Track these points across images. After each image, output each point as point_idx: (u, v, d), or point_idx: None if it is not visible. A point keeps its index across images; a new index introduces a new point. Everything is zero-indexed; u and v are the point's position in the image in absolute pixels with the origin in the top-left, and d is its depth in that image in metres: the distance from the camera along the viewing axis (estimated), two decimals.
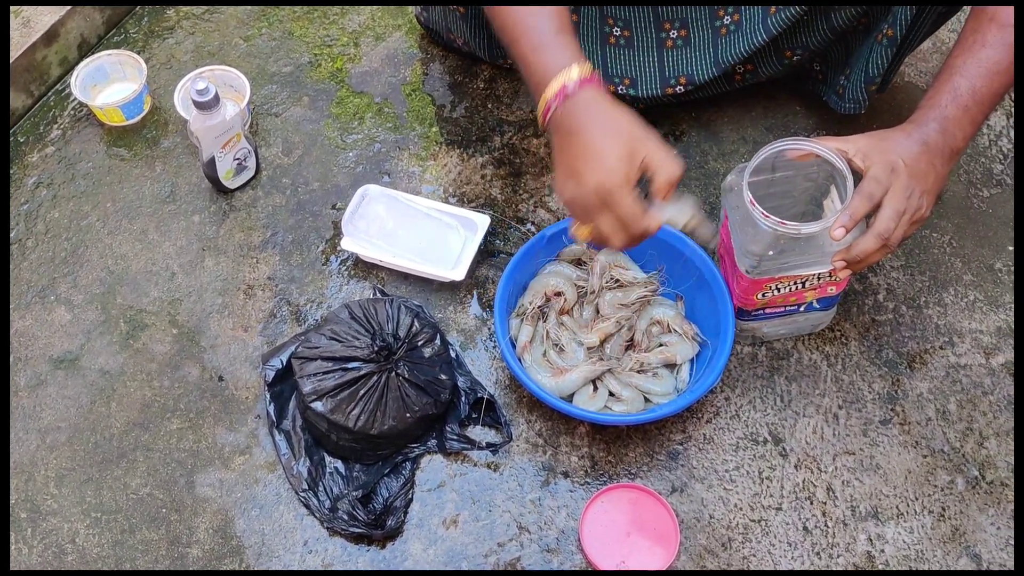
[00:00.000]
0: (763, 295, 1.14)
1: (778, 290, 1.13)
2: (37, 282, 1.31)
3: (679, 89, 1.35)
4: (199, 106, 1.25)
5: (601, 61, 1.36)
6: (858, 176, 1.04)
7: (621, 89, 1.37)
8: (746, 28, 1.29)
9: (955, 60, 1.06)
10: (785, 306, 1.16)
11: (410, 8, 1.56)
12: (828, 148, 1.05)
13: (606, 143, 0.95)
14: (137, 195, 1.38)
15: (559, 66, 0.97)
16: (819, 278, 1.12)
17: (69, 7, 1.46)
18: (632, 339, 1.22)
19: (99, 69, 1.44)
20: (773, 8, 1.25)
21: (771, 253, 1.08)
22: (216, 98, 1.25)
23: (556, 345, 1.19)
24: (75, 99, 1.43)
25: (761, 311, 1.17)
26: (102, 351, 1.25)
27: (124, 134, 1.44)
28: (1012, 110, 1.47)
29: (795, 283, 1.12)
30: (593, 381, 1.18)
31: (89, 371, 1.24)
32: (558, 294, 1.23)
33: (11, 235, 1.35)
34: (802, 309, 1.17)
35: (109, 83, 1.46)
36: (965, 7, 1.25)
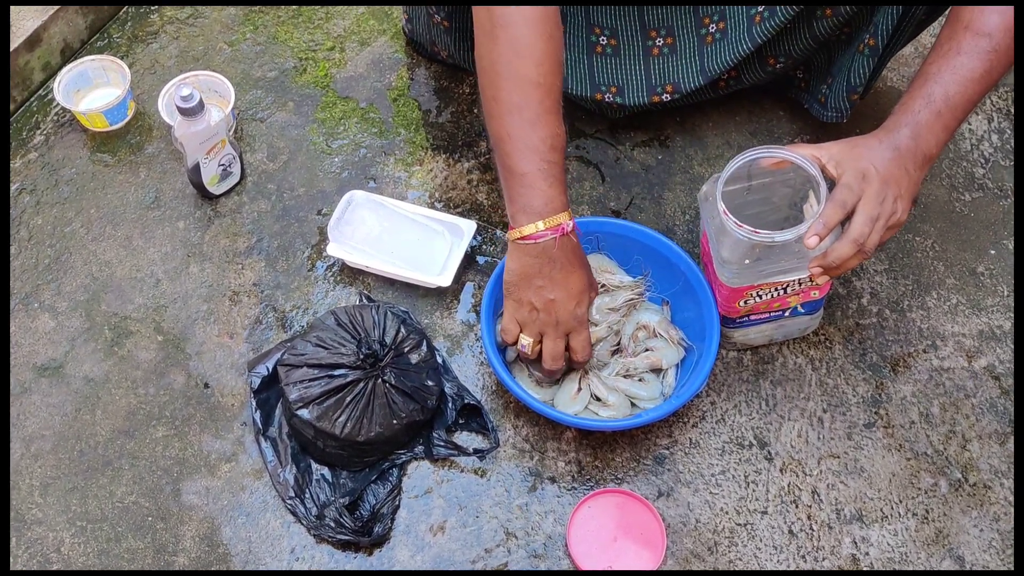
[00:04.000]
0: (745, 302, 1.14)
1: (760, 297, 1.13)
2: (20, 289, 1.30)
3: (666, 97, 1.36)
4: (184, 112, 1.24)
5: (588, 70, 1.36)
6: (832, 183, 1.05)
7: (608, 97, 1.37)
8: (731, 36, 1.29)
9: (930, 67, 1.06)
10: (769, 312, 1.17)
11: (395, 14, 1.56)
12: (802, 155, 1.06)
13: (583, 280, 1.09)
14: (121, 201, 1.38)
15: (563, 203, 1.06)
16: (800, 283, 1.12)
17: (54, 9, 1.45)
18: (619, 344, 1.22)
19: (82, 74, 1.44)
20: (758, 17, 1.25)
21: (747, 262, 1.09)
22: (200, 104, 1.24)
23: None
24: (58, 104, 1.43)
25: (746, 318, 1.18)
26: (86, 358, 1.25)
27: (108, 140, 1.43)
28: (993, 112, 1.48)
29: (776, 289, 1.13)
30: (578, 381, 1.18)
31: (74, 379, 1.23)
32: None
33: None
34: (787, 314, 1.18)
35: (92, 88, 1.45)
36: (945, 13, 1.26)
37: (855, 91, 1.30)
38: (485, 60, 1.06)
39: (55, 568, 1.11)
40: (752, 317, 1.18)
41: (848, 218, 1.02)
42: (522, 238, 1.05)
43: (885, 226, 1.03)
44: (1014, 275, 1.32)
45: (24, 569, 1.10)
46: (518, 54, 1.03)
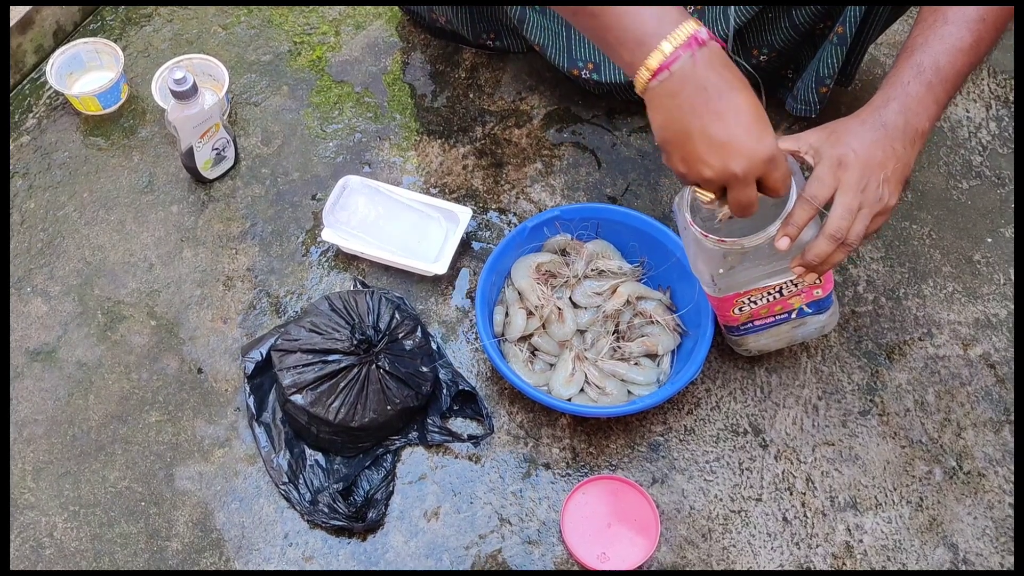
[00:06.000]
0: (740, 309, 1.09)
1: (755, 303, 1.08)
2: (13, 273, 1.29)
3: None
4: (177, 96, 1.23)
5: (566, 44, 1.34)
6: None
7: (585, 73, 1.36)
8: (708, 19, 1.27)
9: (916, 39, 0.99)
10: (774, 316, 1.11)
11: None
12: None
13: (751, 102, 0.86)
14: (114, 185, 1.37)
15: (680, 12, 0.84)
16: (796, 284, 1.06)
17: None
18: (617, 329, 1.22)
19: (75, 57, 1.42)
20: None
21: (721, 271, 1.03)
22: (194, 87, 1.23)
23: (536, 350, 1.21)
24: (51, 87, 1.42)
25: (750, 324, 1.13)
26: (79, 343, 1.24)
27: (101, 123, 1.42)
28: (991, 99, 1.47)
29: (770, 293, 1.07)
30: (572, 364, 1.18)
31: (66, 363, 1.23)
32: (549, 273, 1.23)
33: None
34: (794, 316, 1.12)
35: (85, 71, 1.44)
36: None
37: (823, 83, 1.25)
38: None
39: (48, 553, 1.10)
40: (757, 323, 1.12)
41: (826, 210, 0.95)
42: (653, 77, 0.84)
43: (871, 214, 0.95)
44: (1014, 265, 1.31)
45: (19, 570, 1.10)
46: None
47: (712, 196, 0.91)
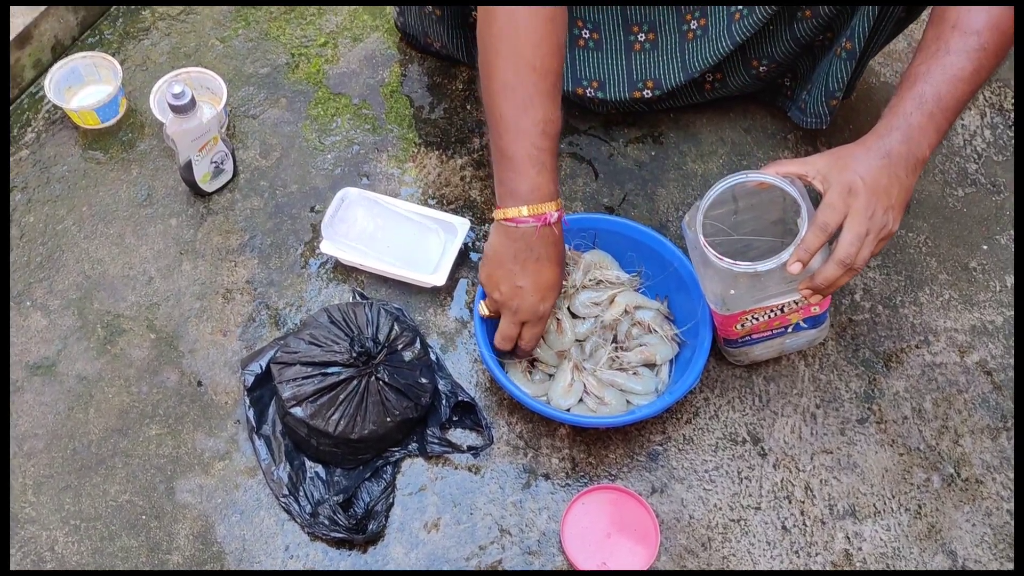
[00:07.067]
0: (742, 325, 1.12)
1: (756, 319, 1.11)
2: (13, 287, 1.29)
3: (647, 93, 1.36)
4: (175, 110, 1.24)
5: (570, 63, 1.36)
6: (819, 199, 1.02)
7: (590, 92, 1.37)
8: (712, 34, 1.29)
9: (918, 67, 1.03)
10: (771, 330, 1.14)
11: (388, 9, 1.55)
12: (784, 175, 1.03)
13: (554, 277, 1.09)
14: (113, 199, 1.37)
15: (550, 191, 1.05)
16: (797, 303, 1.09)
17: (43, 8, 1.44)
18: (615, 339, 1.22)
19: (73, 71, 1.43)
20: (737, 15, 1.25)
21: (732, 292, 1.07)
22: (192, 101, 1.24)
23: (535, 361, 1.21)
24: (49, 102, 1.42)
25: (748, 337, 1.15)
26: (79, 357, 1.24)
27: (99, 137, 1.43)
28: (986, 107, 1.48)
29: (773, 311, 1.10)
30: (570, 374, 1.18)
31: (66, 377, 1.23)
32: None
33: None
34: (790, 330, 1.15)
35: (84, 85, 1.45)
36: (924, 14, 1.25)
37: (833, 96, 1.28)
38: (483, 36, 1.05)
39: (49, 567, 1.11)
40: (755, 336, 1.15)
41: (835, 236, 1.00)
42: (505, 219, 1.06)
43: (876, 239, 1.00)
44: (1014, 272, 1.32)
45: (19, 569, 1.10)
46: (516, 33, 1.02)
47: (489, 312, 1.13)
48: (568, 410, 1.17)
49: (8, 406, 1.20)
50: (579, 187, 1.39)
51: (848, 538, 1.14)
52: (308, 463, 1.16)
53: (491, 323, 1.16)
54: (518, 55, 1.02)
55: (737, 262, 1.02)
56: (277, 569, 1.11)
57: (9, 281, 1.29)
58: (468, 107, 1.47)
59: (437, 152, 1.42)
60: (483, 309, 1.14)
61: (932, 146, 1.03)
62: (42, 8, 1.45)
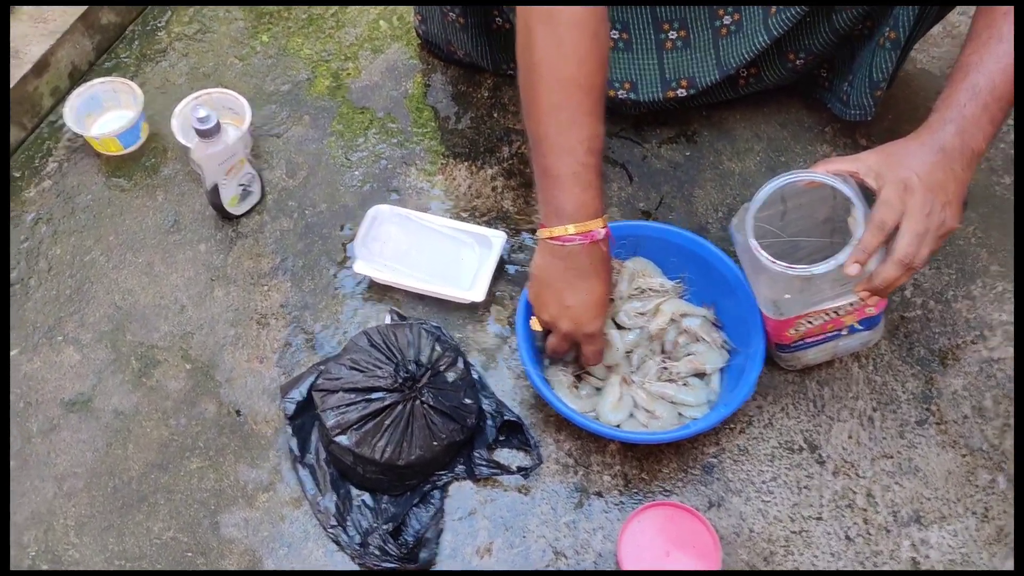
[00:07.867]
0: (796, 330, 1.09)
1: (811, 323, 1.08)
2: (43, 322, 1.27)
3: (681, 92, 1.32)
4: (201, 134, 1.21)
5: None
6: (872, 197, 0.99)
7: (622, 94, 1.33)
8: (747, 29, 1.25)
9: (970, 57, 0.99)
10: (825, 334, 1.11)
11: (408, 18, 1.52)
12: (835, 172, 1.00)
13: (603, 294, 1.07)
14: (140, 226, 1.35)
15: (596, 208, 1.03)
16: (852, 304, 1.06)
17: (60, 33, 1.42)
18: (663, 349, 1.19)
19: (93, 98, 1.40)
20: (773, 8, 1.21)
21: (787, 296, 1.04)
22: (218, 126, 1.21)
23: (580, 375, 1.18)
24: (69, 130, 1.39)
25: (801, 341, 1.12)
26: (115, 391, 1.22)
27: (122, 163, 1.40)
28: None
29: (827, 314, 1.07)
30: (619, 389, 1.15)
31: (103, 412, 1.20)
32: None
33: (13, 275, 1.31)
34: (845, 333, 1.12)
35: (103, 112, 1.42)
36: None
37: (878, 87, 1.25)
38: (525, 57, 1.01)
39: None
40: (808, 340, 1.12)
41: (892, 235, 0.97)
42: (551, 238, 1.03)
43: (935, 238, 0.97)
44: (1014, 267, 1.27)
45: (19, 569, 1.08)
46: (560, 52, 0.98)
47: (540, 329, 1.11)
48: (618, 425, 1.14)
49: (8, 402, 1.18)
50: (614, 192, 1.36)
51: (914, 545, 1.10)
52: (354, 491, 1.13)
53: (535, 336, 1.14)
54: (562, 74, 0.99)
55: (792, 265, 0.99)
56: (286, 570, 1.08)
57: (9, 320, 1.27)
58: (495, 115, 1.43)
59: (466, 163, 1.39)
60: (535, 324, 1.12)
61: (988, 138, 0.99)
62: (58, 35, 1.42)
